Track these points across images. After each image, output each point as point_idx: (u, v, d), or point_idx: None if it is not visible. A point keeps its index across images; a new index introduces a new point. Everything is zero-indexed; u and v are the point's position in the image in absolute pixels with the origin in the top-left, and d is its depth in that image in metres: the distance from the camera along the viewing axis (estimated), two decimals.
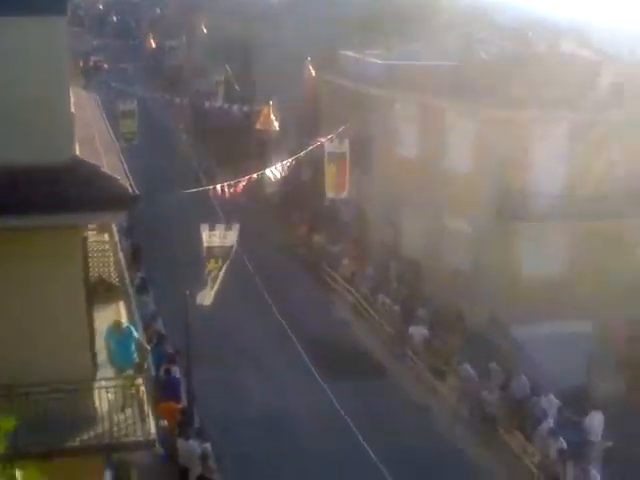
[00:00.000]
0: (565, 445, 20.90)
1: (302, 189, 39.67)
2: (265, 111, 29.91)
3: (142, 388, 13.19)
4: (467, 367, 24.50)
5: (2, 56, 11.58)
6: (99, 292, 16.36)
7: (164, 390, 19.91)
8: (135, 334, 13.93)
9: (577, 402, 23.54)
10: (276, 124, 29.84)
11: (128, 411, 12.82)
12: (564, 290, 27.76)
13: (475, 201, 28.54)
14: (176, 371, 21.13)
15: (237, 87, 41.83)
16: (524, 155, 28.41)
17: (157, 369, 19.56)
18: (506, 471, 21.64)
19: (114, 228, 20.99)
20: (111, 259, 19.02)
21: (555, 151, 28.74)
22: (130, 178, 12.99)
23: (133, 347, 13.57)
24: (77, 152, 12.35)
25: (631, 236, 28.85)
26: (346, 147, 29.30)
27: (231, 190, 23.29)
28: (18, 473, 5.87)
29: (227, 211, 28.52)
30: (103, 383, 12.87)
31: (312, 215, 36.52)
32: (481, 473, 21.29)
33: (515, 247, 28.89)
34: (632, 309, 27.27)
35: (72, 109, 13.03)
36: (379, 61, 34.03)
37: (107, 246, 19.59)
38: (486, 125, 28.99)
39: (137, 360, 13.35)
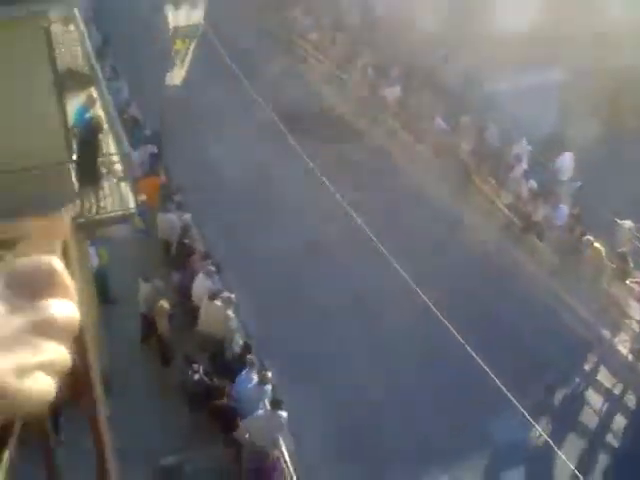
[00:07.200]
0: (536, 185, 21.96)
1: None
2: None
3: (117, 165, 14.09)
4: (439, 121, 25.06)
5: None
6: (69, 82, 16.80)
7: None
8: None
9: (549, 148, 24.06)
10: None
11: (106, 188, 13.74)
12: (536, 41, 27.43)
13: None
14: (153, 149, 21.53)
15: None
16: None
17: (135, 150, 20.19)
18: (480, 215, 22.69)
19: (79, 18, 20.83)
20: (79, 50, 19.19)
21: None
22: None
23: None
24: None
25: None
26: None
27: None
28: None
29: None
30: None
31: None
32: (454, 218, 22.23)
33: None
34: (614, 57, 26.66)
35: None
36: None
37: (74, 36, 19.67)
38: None
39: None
